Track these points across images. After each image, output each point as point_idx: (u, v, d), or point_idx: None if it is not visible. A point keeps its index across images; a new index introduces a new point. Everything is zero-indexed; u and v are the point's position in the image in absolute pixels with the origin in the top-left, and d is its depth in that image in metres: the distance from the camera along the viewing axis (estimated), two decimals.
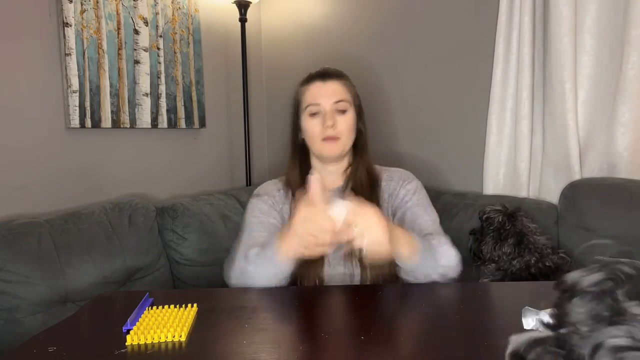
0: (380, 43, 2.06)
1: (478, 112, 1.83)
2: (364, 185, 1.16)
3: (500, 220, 1.44)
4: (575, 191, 1.55)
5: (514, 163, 1.74)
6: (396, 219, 1.17)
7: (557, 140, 1.63)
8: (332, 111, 1.13)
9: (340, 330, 0.73)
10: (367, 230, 0.83)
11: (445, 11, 1.90)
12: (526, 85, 1.66)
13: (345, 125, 1.13)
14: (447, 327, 0.75)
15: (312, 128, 1.13)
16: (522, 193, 1.73)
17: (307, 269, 1.05)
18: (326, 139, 1.12)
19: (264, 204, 1.16)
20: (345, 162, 1.21)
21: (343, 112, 1.14)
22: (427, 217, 1.15)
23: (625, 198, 1.45)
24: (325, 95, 1.13)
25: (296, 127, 1.20)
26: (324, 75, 1.16)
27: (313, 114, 1.14)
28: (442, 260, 1.00)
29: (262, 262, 0.97)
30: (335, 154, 1.15)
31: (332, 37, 2.19)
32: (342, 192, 1.17)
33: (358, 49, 2.12)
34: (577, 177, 1.61)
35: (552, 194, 1.68)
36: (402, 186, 1.19)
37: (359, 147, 1.20)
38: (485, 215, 1.47)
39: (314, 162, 1.21)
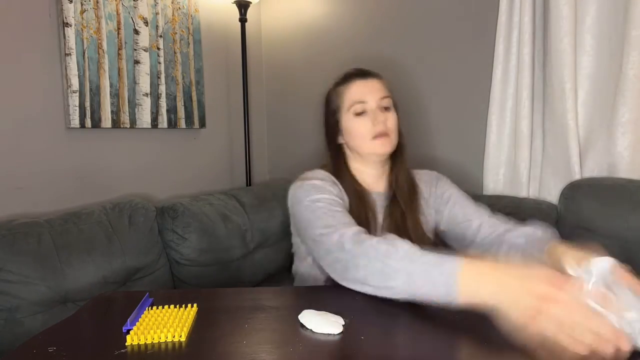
0: (380, 43, 2.06)
1: (478, 112, 1.83)
2: (406, 190, 1.13)
3: None
4: (575, 191, 1.55)
5: (514, 163, 1.75)
6: (445, 218, 1.16)
7: (557, 140, 1.64)
8: (378, 108, 1.09)
9: (340, 330, 0.73)
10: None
11: (445, 11, 1.90)
12: (526, 85, 1.66)
13: (392, 122, 1.11)
14: (447, 327, 0.75)
15: (360, 127, 1.08)
16: (522, 193, 1.73)
17: None
18: (377, 136, 1.07)
19: (323, 183, 1.04)
20: (386, 165, 1.17)
21: (387, 109, 1.10)
22: (477, 205, 1.16)
23: (626, 198, 1.45)
24: (370, 92, 1.09)
25: (333, 131, 1.15)
26: (365, 73, 1.13)
27: (359, 114, 1.09)
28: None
29: (422, 269, 0.74)
30: (387, 151, 1.10)
31: (332, 37, 2.19)
32: (386, 198, 1.14)
33: (358, 49, 2.12)
34: (577, 177, 1.61)
35: (552, 194, 1.68)
36: (436, 186, 1.19)
37: (399, 149, 1.16)
38: None
39: (355, 165, 1.15)
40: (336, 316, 0.77)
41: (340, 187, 1.09)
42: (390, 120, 1.10)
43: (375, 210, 1.10)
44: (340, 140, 1.15)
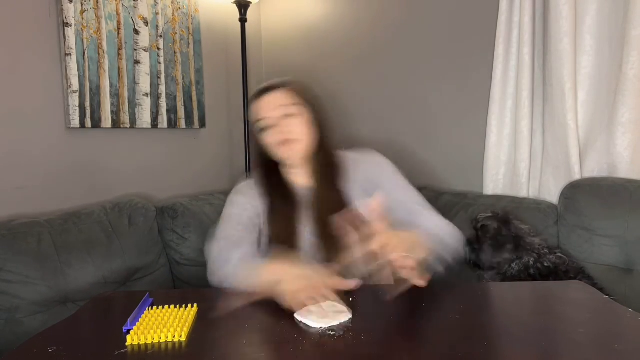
0: (380, 43, 2.06)
1: (478, 112, 1.83)
2: (320, 177, 1.17)
3: (496, 227, 1.44)
4: (575, 191, 1.55)
5: (514, 163, 1.74)
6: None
7: (557, 140, 1.63)
8: (280, 118, 1.13)
9: (340, 329, 0.73)
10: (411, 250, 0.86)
11: (445, 11, 1.90)
12: (526, 85, 1.66)
13: (296, 125, 1.13)
14: (447, 327, 0.75)
15: (266, 139, 1.15)
16: (522, 193, 1.73)
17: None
18: (281, 143, 1.13)
19: (242, 197, 1.21)
20: (314, 163, 1.20)
21: (291, 115, 1.14)
22: (412, 198, 1.17)
23: (625, 198, 1.45)
24: (268, 107, 1.15)
25: (256, 144, 1.22)
26: (264, 90, 1.18)
27: (262, 129, 1.15)
28: (450, 242, 1.06)
29: (243, 273, 1.00)
30: (294, 155, 1.15)
31: (332, 37, 2.19)
32: (309, 191, 1.18)
33: (358, 49, 2.12)
34: (577, 177, 1.61)
35: (552, 194, 1.68)
36: (376, 170, 1.20)
37: (320, 145, 1.19)
38: (480, 224, 1.47)
39: (285, 170, 1.21)
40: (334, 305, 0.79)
41: (259, 195, 1.19)
42: (294, 125, 1.14)
43: (300, 201, 1.18)
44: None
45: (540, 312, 0.84)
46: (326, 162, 1.18)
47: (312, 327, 0.74)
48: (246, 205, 1.18)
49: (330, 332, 0.72)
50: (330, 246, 1.07)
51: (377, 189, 1.15)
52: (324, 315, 0.76)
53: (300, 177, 1.20)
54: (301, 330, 0.73)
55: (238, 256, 1.07)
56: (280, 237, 1.13)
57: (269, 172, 1.21)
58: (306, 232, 1.15)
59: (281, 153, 1.14)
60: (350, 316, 0.77)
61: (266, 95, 1.16)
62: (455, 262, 1.03)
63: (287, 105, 1.14)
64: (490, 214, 1.48)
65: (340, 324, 0.75)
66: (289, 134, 1.12)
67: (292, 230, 1.14)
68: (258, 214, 1.19)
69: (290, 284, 0.85)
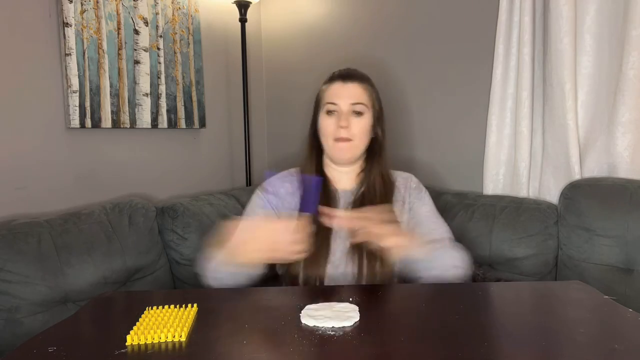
0: (380, 43, 2.06)
1: (478, 112, 1.83)
2: (377, 190, 1.15)
3: None
4: (575, 191, 1.55)
5: (514, 163, 1.75)
6: (409, 226, 1.18)
7: (557, 140, 1.64)
8: (349, 112, 1.12)
9: (340, 329, 0.73)
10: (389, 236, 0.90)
11: (445, 11, 1.90)
12: (526, 85, 1.66)
13: (359, 127, 1.13)
14: (447, 327, 0.75)
15: (326, 126, 1.14)
16: (522, 193, 1.73)
17: (310, 269, 1.06)
18: (338, 139, 1.12)
19: (261, 201, 1.19)
20: (358, 166, 1.20)
21: (359, 114, 1.13)
22: (441, 228, 1.17)
23: (625, 198, 1.45)
24: (343, 96, 1.13)
25: (315, 124, 1.20)
26: (346, 76, 1.16)
27: (329, 112, 1.14)
28: (453, 261, 1.05)
29: (229, 268, 1.02)
30: (345, 157, 1.14)
31: (332, 38, 2.19)
32: (352, 195, 1.17)
33: (358, 49, 2.12)
34: (577, 177, 1.61)
35: (552, 194, 1.68)
36: (413, 194, 1.20)
37: (374, 152, 1.19)
38: None
39: (327, 162, 1.21)
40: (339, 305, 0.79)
41: (299, 185, 1.17)
42: (357, 126, 1.13)
43: (336, 204, 1.15)
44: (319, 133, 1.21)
45: (540, 312, 0.84)
46: (378, 171, 1.17)
47: (320, 328, 0.74)
48: (264, 211, 1.16)
49: (330, 332, 0.72)
50: (365, 254, 1.07)
51: (412, 214, 1.18)
52: (333, 317, 0.76)
53: (342, 177, 1.19)
54: (301, 330, 0.73)
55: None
56: (311, 238, 1.08)
57: (313, 160, 1.20)
58: (339, 236, 1.11)
59: (334, 149, 1.14)
60: (357, 319, 0.76)
61: (345, 82, 1.15)
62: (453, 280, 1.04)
63: (360, 103, 1.13)
64: None
65: (348, 327, 0.74)
66: (349, 134, 1.11)
67: (327, 232, 1.09)
68: (281, 210, 1.15)
69: (257, 241, 0.91)
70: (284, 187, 1.19)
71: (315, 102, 1.22)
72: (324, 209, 0.97)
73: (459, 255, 1.08)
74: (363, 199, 1.14)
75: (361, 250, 1.07)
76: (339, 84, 1.15)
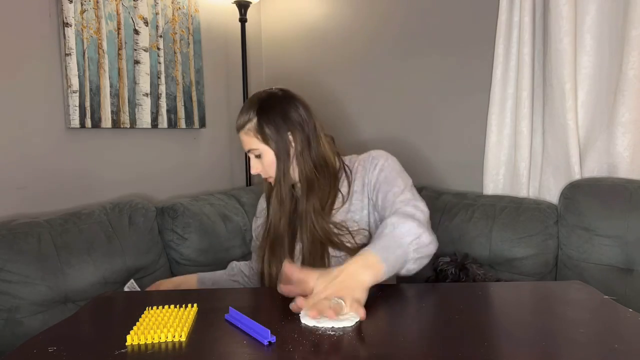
0: (380, 43, 2.06)
1: (478, 112, 1.83)
2: (310, 193, 1.13)
3: (453, 272, 1.50)
4: (575, 191, 1.55)
5: (514, 163, 1.75)
6: (375, 204, 1.13)
7: (557, 140, 1.64)
8: (253, 158, 1.17)
9: (340, 329, 0.73)
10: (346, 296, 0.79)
11: (445, 11, 1.90)
12: (526, 85, 1.66)
13: (264, 167, 1.16)
14: (447, 327, 0.75)
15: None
16: (522, 193, 1.73)
17: (271, 266, 1.16)
18: (265, 179, 1.20)
19: (254, 224, 1.34)
20: None
21: (258, 157, 1.16)
22: (394, 189, 1.07)
23: (625, 198, 1.45)
24: (244, 146, 1.18)
25: None
26: (237, 127, 1.18)
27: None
28: (410, 246, 0.94)
29: None
30: (274, 185, 1.18)
31: (332, 38, 2.19)
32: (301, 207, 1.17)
33: (358, 49, 2.12)
34: (577, 177, 1.61)
35: (552, 194, 1.68)
36: (370, 170, 1.14)
37: (301, 164, 1.15)
38: (439, 268, 1.54)
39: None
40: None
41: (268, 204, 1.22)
42: (263, 166, 1.16)
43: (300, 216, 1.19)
44: None
45: (540, 312, 0.84)
46: (309, 178, 1.14)
47: (319, 328, 0.74)
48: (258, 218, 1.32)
49: (330, 332, 0.72)
50: (312, 265, 1.07)
51: (374, 190, 1.13)
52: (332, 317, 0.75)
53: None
54: (301, 330, 0.73)
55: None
56: (274, 252, 1.16)
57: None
58: (298, 248, 1.16)
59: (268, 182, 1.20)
60: (358, 319, 0.76)
61: (239, 133, 1.18)
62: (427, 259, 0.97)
63: (252, 149, 1.15)
64: (449, 259, 1.54)
65: (348, 327, 0.74)
66: (264, 173, 1.17)
67: (289, 246, 1.16)
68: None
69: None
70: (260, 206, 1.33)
71: None
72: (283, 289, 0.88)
73: (406, 232, 0.95)
74: (304, 210, 1.14)
75: (322, 251, 1.10)
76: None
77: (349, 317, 0.76)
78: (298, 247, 1.15)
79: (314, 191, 1.13)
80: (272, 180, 1.17)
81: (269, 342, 0.67)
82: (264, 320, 0.77)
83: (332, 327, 0.73)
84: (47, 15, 1.47)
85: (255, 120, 1.13)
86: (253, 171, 1.18)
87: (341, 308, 0.76)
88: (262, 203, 1.33)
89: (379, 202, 1.10)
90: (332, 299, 0.77)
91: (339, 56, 2.16)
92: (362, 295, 0.81)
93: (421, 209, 1.02)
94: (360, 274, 0.84)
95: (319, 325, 0.74)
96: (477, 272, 1.49)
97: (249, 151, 1.17)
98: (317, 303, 0.77)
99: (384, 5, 2.04)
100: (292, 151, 1.14)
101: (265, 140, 1.13)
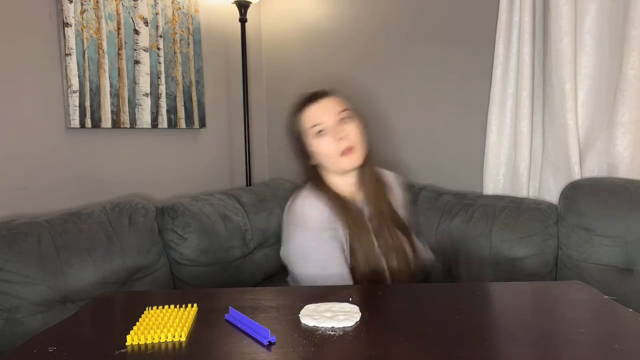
0: (381, 43, 2.06)
1: (478, 112, 1.83)
2: (375, 191, 1.20)
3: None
4: (575, 191, 1.55)
5: (514, 163, 1.74)
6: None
7: (557, 140, 1.63)
8: (338, 123, 1.11)
9: (340, 329, 0.73)
10: None
11: (445, 11, 1.90)
12: (526, 85, 1.66)
13: (355, 132, 1.13)
14: (447, 327, 0.75)
15: (325, 147, 1.12)
16: (522, 193, 1.73)
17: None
18: (344, 152, 1.11)
19: (325, 234, 1.11)
20: (353, 172, 1.21)
21: (346, 120, 1.13)
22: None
23: (626, 198, 1.45)
24: (326, 112, 1.12)
25: (304, 155, 1.19)
26: (316, 96, 1.16)
27: (319, 132, 1.12)
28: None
29: None
30: (357, 164, 1.14)
31: (332, 38, 2.19)
32: (364, 205, 1.20)
33: (358, 49, 2.12)
34: (577, 177, 1.61)
35: (552, 194, 1.68)
36: (401, 192, 1.29)
37: (367, 154, 1.20)
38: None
39: (332, 179, 1.19)
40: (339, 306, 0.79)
41: (333, 211, 1.13)
42: (352, 131, 1.13)
43: (364, 215, 1.17)
44: (313, 162, 1.19)
45: (540, 312, 0.84)
46: (376, 175, 1.20)
47: (319, 328, 0.74)
48: (327, 227, 1.12)
49: (330, 332, 0.72)
50: (395, 256, 1.14)
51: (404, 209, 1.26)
52: (333, 317, 0.76)
53: (346, 188, 1.19)
54: (301, 330, 0.73)
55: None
56: (366, 252, 1.12)
57: (323, 185, 1.17)
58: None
59: (343, 163, 1.12)
60: (358, 319, 0.76)
61: (320, 100, 1.14)
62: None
63: (342, 111, 1.12)
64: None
65: (349, 327, 0.74)
66: (348, 140, 1.10)
67: (372, 242, 1.15)
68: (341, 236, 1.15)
69: None
70: (328, 217, 1.13)
71: (291, 134, 1.20)
72: None
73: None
74: (378, 205, 1.19)
75: (389, 247, 1.15)
76: (314, 105, 1.14)
77: (349, 317, 0.76)
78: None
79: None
80: (355, 152, 1.11)
81: (269, 342, 0.68)
82: (264, 320, 0.77)
83: (332, 327, 0.73)
84: (47, 15, 1.47)
85: (340, 94, 1.18)
86: (341, 134, 1.09)
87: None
88: (323, 212, 1.14)
89: None
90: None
91: (339, 56, 2.16)
92: None
93: None
94: None
95: (319, 325, 0.74)
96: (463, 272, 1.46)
97: (338, 113, 1.11)
98: None
99: (384, 6, 2.04)
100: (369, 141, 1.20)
101: (355, 112, 1.16)
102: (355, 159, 1.13)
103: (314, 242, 1.10)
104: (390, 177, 1.31)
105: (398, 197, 1.29)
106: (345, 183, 1.19)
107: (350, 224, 1.12)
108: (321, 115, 1.12)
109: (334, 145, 1.11)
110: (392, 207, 1.22)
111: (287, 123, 1.22)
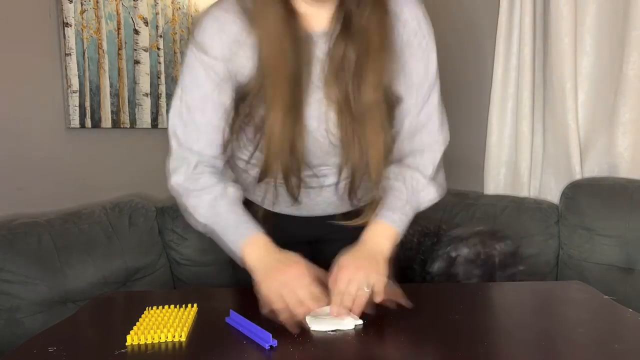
0: None
1: (478, 112, 1.83)
2: (363, 29, 0.80)
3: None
4: (576, 191, 1.55)
5: (515, 163, 1.74)
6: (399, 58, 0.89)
7: (557, 140, 1.63)
8: None
9: (341, 332, 0.73)
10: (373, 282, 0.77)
11: (446, 11, 1.90)
12: (527, 85, 1.66)
13: None
14: (447, 327, 0.74)
15: None
16: (523, 193, 1.73)
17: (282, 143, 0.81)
18: None
19: (205, 72, 0.83)
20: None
21: None
22: (431, 125, 0.94)
23: (626, 198, 1.45)
24: None
25: None
26: None
27: None
28: (422, 205, 0.92)
29: (218, 232, 0.88)
30: None
31: None
32: (330, 37, 0.81)
33: None
34: (577, 177, 1.61)
35: (552, 194, 1.68)
36: (417, 33, 0.93)
37: None
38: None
39: (297, 3, 0.81)
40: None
41: (250, 36, 0.80)
42: None
43: (309, 55, 0.81)
44: None
45: (540, 312, 0.84)
46: (367, 5, 0.79)
47: (319, 331, 0.73)
48: (221, 82, 0.83)
49: (330, 333, 0.72)
50: (351, 126, 0.81)
51: (406, 60, 0.91)
52: (332, 319, 0.75)
53: (316, 18, 0.82)
54: (302, 330, 0.73)
55: (210, 181, 0.87)
56: (279, 105, 0.78)
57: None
58: (316, 101, 0.83)
59: None
60: (361, 322, 0.75)
61: None
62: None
63: None
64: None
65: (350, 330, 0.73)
66: None
67: (298, 96, 0.80)
68: (235, 72, 0.82)
69: (269, 290, 0.76)
70: (226, 37, 0.81)
71: None
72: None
73: (426, 201, 0.92)
74: (341, 42, 0.80)
75: (347, 119, 0.82)
76: None
77: (349, 321, 0.75)
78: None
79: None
80: None
81: (271, 346, 0.67)
82: (265, 323, 0.77)
83: (335, 330, 0.73)
84: (47, 15, 1.46)
85: None
86: None
87: (366, 298, 0.76)
88: (230, 28, 0.80)
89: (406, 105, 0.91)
90: (362, 284, 0.76)
91: None
92: (384, 270, 0.80)
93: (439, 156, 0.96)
94: (380, 245, 0.84)
95: (319, 329, 0.73)
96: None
97: None
98: (343, 298, 0.75)
99: None
100: None
101: None
102: None
103: (196, 70, 0.83)
104: (406, 7, 0.89)
105: (409, 42, 0.90)
106: (312, 12, 0.81)
107: (271, 58, 0.78)
108: None
109: None
110: (377, 59, 0.81)
111: None
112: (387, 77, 0.86)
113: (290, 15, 0.80)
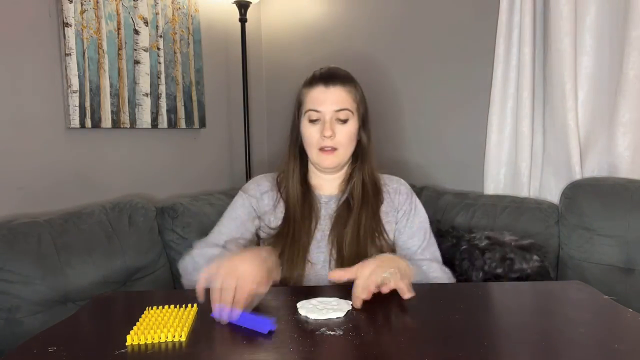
0: (380, 43, 2.06)
1: (478, 112, 1.83)
2: (360, 195, 1.12)
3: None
4: (576, 191, 1.55)
5: (515, 163, 1.74)
6: (396, 230, 1.16)
7: (557, 140, 1.63)
8: (332, 120, 1.07)
9: (340, 329, 0.73)
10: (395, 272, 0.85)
11: (445, 11, 1.90)
12: (527, 85, 1.66)
13: (344, 135, 1.09)
14: (447, 327, 0.75)
15: (310, 135, 1.09)
16: (523, 193, 1.73)
17: (289, 271, 1.06)
18: (323, 149, 1.09)
19: (242, 200, 1.18)
20: (343, 172, 1.17)
21: (344, 121, 1.09)
22: (432, 247, 1.16)
23: (626, 198, 1.45)
24: (327, 102, 1.08)
25: (296, 130, 1.16)
26: (328, 78, 1.10)
27: (313, 121, 1.09)
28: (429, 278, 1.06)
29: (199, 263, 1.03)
30: (331, 166, 1.11)
31: (332, 38, 2.18)
32: (337, 201, 1.15)
33: (358, 49, 2.12)
34: (577, 177, 1.61)
35: (552, 194, 1.68)
36: (406, 203, 1.17)
37: (359, 157, 1.15)
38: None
39: (310, 168, 1.18)
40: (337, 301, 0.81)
41: (279, 191, 1.16)
42: (342, 134, 1.08)
43: (318, 210, 1.14)
44: (300, 140, 1.16)
45: (540, 312, 0.84)
46: (361, 176, 1.14)
47: (310, 319, 0.76)
48: (249, 211, 1.16)
49: (330, 332, 0.72)
50: (344, 261, 1.05)
51: (405, 223, 1.15)
52: (322, 308, 0.79)
53: (326, 184, 1.16)
54: (301, 330, 0.73)
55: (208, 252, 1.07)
56: (291, 246, 1.07)
57: (295, 164, 1.16)
58: (320, 246, 1.10)
59: (319, 158, 1.10)
60: (350, 308, 0.80)
61: (328, 86, 1.08)
62: None
63: (344, 109, 1.08)
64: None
65: (340, 318, 0.77)
66: (333, 143, 1.08)
67: (306, 240, 1.09)
68: (258, 215, 1.16)
69: (222, 265, 0.80)
70: (260, 187, 1.19)
71: (296, 105, 1.16)
72: (334, 274, 0.88)
73: (446, 279, 1.08)
74: (348, 206, 1.12)
75: (342, 258, 1.07)
76: (321, 88, 1.09)
77: (340, 309, 0.78)
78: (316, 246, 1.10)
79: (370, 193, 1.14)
80: (332, 153, 1.08)
81: (270, 331, 0.68)
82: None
83: (327, 318, 0.75)
84: (47, 15, 1.47)
85: (359, 88, 1.14)
86: (327, 133, 1.06)
87: (388, 282, 0.83)
88: (265, 184, 1.20)
89: (404, 237, 1.15)
90: (385, 272, 0.83)
91: (339, 56, 2.16)
92: (410, 273, 0.89)
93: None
94: (401, 260, 0.92)
95: (312, 316, 0.76)
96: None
97: (338, 110, 1.07)
98: (365, 284, 0.81)
99: (384, 5, 2.04)
100: (367, 143, 1.15)
101: (358, 110, 1.12)
102: (332, 160, 1.09)
103: (235, 201, 1.19)
104: (393, 184, 1.19)
105: (398, 207, 1.16)
106: (319, 174, 1.17)
107: (292, 208, 1.12)
108: (321, 104, 1.08)
109: (317, 138, 1.08)
110: (373, 218, 1.11)
111: (298, 92, 1.18)
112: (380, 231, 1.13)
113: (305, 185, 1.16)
